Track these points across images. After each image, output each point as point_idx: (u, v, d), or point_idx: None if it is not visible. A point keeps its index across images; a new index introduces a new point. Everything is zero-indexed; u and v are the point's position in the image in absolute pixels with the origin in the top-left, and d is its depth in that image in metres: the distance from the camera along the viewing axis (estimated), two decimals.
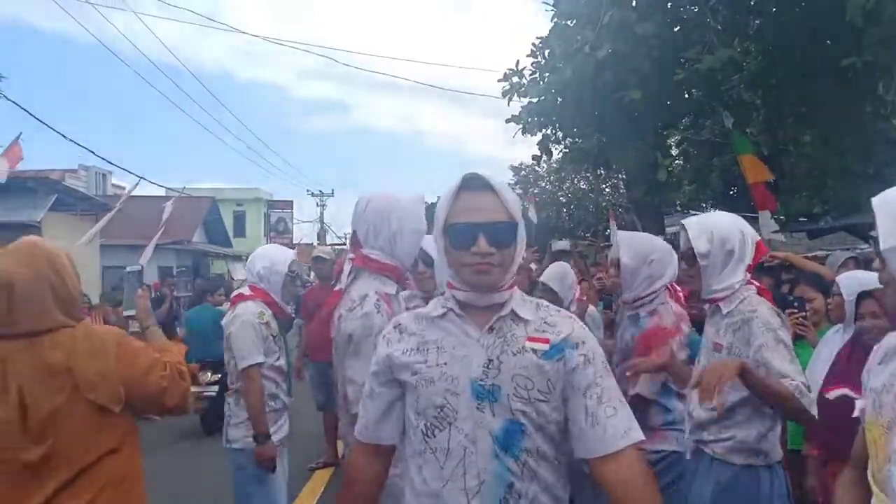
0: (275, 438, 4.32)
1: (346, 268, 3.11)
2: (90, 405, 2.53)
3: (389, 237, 3.04)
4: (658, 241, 4.03)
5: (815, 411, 2.84)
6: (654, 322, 3.80)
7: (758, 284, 3.24)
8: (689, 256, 3.23)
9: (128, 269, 3.40)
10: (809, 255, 11.05)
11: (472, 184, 2.08)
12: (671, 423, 3.69)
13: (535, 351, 2.05)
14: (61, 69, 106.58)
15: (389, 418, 2.22)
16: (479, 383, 2.03)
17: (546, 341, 2.07)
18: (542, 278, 5.27)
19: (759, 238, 3.34)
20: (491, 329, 2.09)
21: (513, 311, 2.11)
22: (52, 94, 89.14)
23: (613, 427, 2.02)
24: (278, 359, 4.42)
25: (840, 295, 3.91)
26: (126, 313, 3.35)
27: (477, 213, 2.03)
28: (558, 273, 5.25)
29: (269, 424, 4.27)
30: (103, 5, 39.88)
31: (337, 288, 3.15)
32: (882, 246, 1.84)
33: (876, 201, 1.91)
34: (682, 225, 3.30)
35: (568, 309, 4.73)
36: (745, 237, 3.19)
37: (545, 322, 2.12)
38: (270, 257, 4.49)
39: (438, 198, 2.15)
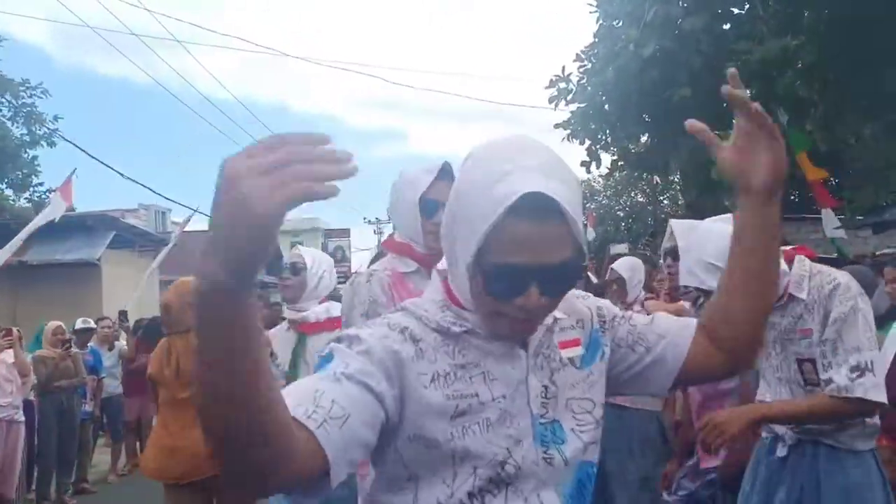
0: None
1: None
2: None
3: (393, 213, 2.75)
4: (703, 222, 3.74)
5: (877, 394, 2.62)
6: None
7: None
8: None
9: None
10: (878, 252, 10.65)
11: (533, 209, 1.27)
12: None
13: (572, 361, 1.48)
14: (118, 109, 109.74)
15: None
16: (541, 422, 1.41)
17: (577, 342, 1.50)
18: (613, 265, 5.25)
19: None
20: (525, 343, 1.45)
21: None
22: (109, 134, 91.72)
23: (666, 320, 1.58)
24: (283, 377, 4.23)
25: None
26: None
27: (533, 250, 1.29)
28: (630, 263, 5.26)
29: None
30: (154, 35, 40.86)
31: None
32: None
33: None
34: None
35: (631, 308, 4.61)
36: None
37: (563, 312, 1.49)
38: None
39: None
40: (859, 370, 2.65)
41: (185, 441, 4.44)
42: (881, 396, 2.63)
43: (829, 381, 2.70)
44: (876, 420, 2.80)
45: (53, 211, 10.99)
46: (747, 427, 2.84)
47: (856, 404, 2.65)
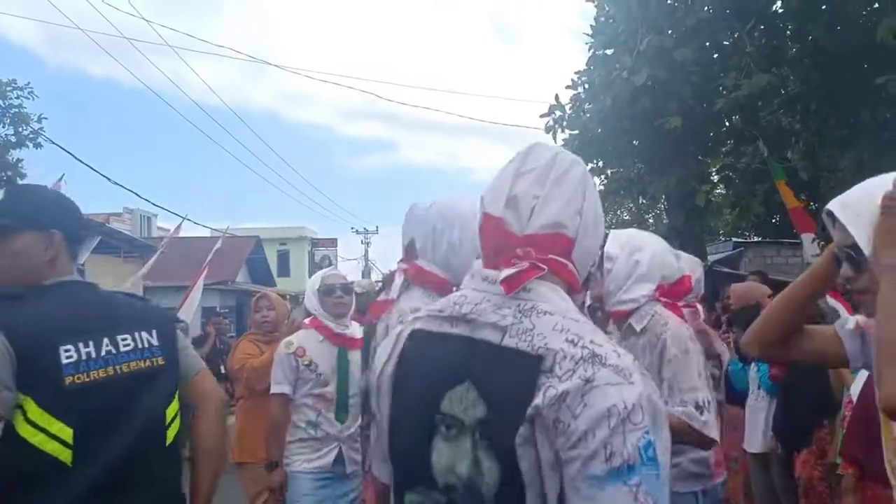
0: (312, 465, 4.37)
1: (398, 278, 2.69)
2: None
3: (448, 249, 2.62)
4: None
5: (712, 431, 2.78)
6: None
7: (666, 301, 3.16)
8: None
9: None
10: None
11: None
12: None
13: None
14: (108, 113, 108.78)
15: None
16: None
17: None
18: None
19: (688, 274, 3.36)
20: None
21: None
22: (98, 138, 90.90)
23: None
24: (322, 386, 4.43)
25: None
26: None
27: None
28: None
29: (307, 452, 4.40)
30: (147, 41, 40.91)
31: (384, 298, 2.74)
32: (867, 252, 1.73)
33: (836, 207, 1.79)
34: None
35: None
36: (658, 259, 3.20)
37: None
38: (309, 284, 4.73)
39: None
40: (699, 408, 2.78)
41: None
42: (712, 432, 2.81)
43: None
44: (691, 464, 3.02)
45: None
46: None
47: (695, 437, 2.79)
